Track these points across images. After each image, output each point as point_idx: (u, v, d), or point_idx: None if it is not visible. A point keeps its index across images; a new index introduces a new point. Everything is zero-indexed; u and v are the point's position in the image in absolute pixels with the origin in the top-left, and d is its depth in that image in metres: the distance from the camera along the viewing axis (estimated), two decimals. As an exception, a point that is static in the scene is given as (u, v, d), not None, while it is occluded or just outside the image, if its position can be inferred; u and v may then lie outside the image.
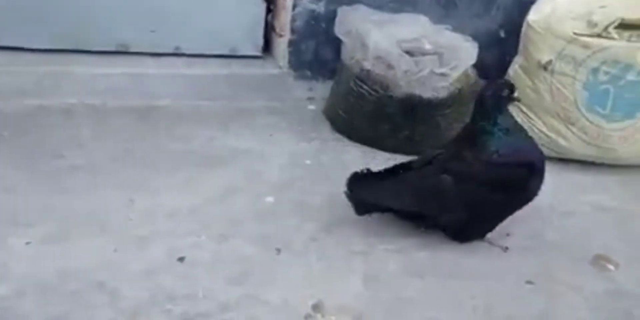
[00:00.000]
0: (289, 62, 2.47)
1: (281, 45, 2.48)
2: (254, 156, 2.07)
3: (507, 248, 1.74)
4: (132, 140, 2.05)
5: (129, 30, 2.36)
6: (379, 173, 1.70)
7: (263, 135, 2.21)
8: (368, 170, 1.69)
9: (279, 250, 1.66)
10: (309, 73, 2.49)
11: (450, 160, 1.64)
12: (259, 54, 2.53)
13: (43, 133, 2.01)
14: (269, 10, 2.53)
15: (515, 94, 1.65)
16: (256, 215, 1.79)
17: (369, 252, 1.69)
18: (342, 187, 1.70)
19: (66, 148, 1.95)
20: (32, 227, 1.60)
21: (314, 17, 2.41)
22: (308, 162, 2.09)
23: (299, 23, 2.41)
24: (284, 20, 2.43)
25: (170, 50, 2.44)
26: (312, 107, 2.43)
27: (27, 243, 1.56)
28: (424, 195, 1.64)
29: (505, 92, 1.62)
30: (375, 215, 1.75)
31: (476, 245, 1.74)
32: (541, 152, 1.70)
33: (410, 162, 1.74)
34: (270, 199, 1.87)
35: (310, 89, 2.50)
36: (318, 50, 2.47)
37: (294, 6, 2.39)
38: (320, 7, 2.40)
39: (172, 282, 1.51)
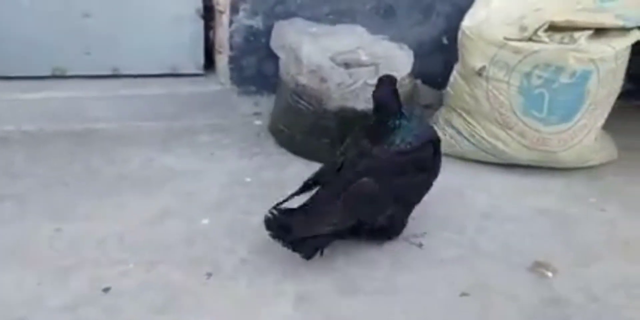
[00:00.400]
0: (231, 78, 2.44)
1: (222, 62, 2.46)
2: (192, 176, 2.05)
3: (421, 244, 1.76)
4: (66, 165, 2.02)
5: (64, 53, 2.33)
6: (292, 209, 1.63)
7: (204, 153, 2.18)
8: (279, 210, 1.62)
9: (209, 275, 1.63)
10: (253, 88, 2.47)
11: (362, 162, 1.63)
12: (200, 71, 2.50)
13: (-25, 163, 1.98)
14: (210, 27, 2.50)
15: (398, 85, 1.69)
16: (188, 238, 1.76)
17: (301, 272, 1.67)
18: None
19: (-2, 181, 1.91)
20: (-47, 263, 1.56)
21: (252, 32, 2.39)
22: (248, 179, 2.07)
23: (237, 39, 2.39)
24: (222, 36, 2.41)
25: (109, 72, 2.40)
26: (258, 122, 2.41)
27: (-53, 280, 1.53)
28: (354, 205, 1.61)
29: (395, 85, 1.67)
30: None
31: (409, 258, 1.72)
32: (434, 130, 1.81)
33: (315, 178, 1.70)
34: (205, 221, 1.84)
35: (256, 104, 2.48)
36: (260, 65, 2.44)
37: (231, 22, 2.37)
38: (258, 22, 2.38)
39: (95, 314, 1.48)
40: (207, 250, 1.71)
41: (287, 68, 2.16)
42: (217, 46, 2.47)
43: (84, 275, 1.58)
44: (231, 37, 2.39)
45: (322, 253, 1.64)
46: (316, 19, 2.38)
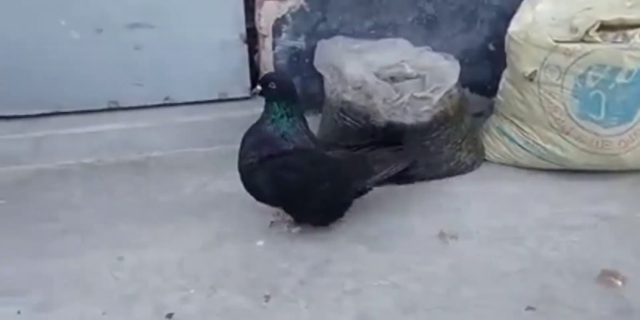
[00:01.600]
0: (278, 100, 2.46)
1: (268, 84, 2.48)
2: (245, 200, 2.06)
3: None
4: (125, 195, 2.08)
5: (118, 86, 2.41)
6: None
7: (256, 176, 2.20)
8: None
9: (267, 297, 1.63)
10: (298, 108, 2.48)
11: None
12: (248, 95, 2.54)
13: (39, 197, 2.06)
14: (254, 51, 2.54)
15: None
16: (246, 261, 1.77)
17: (360, 289, 1.65)
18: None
19: (59, 210, 1.98)
20: (22, 296, 1.62)
21: (295, 53, 2.41)
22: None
23: (281, 61, 2.42)
24: (267, 59, 2.44)
25: (160, 101, 2.47)
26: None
27: (18, 312, 1.58)
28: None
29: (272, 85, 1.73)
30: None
31: (470, 272, 1.67)
32: None
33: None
34: (260, 242, 1.85)
35: (301, 124, 2.48)
36: (305, 86, 2.45)
37: (274, 45, 2.40)
38: (301, 43, 2.41)
39: (160, 341, 1.50)
40: (264, 272, 1.72)
41: (331, 86, 2.16)
42: (262, 69, 2.50)
43: (147, 302, 1.61)
44: (275, 59, 2.42)
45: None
46: (359, 35, 2.38)
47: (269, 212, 1.92)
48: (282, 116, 1.74)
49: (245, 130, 2.43)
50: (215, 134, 2.44)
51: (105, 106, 2.44)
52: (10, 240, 1.83)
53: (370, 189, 1.85)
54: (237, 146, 2.33)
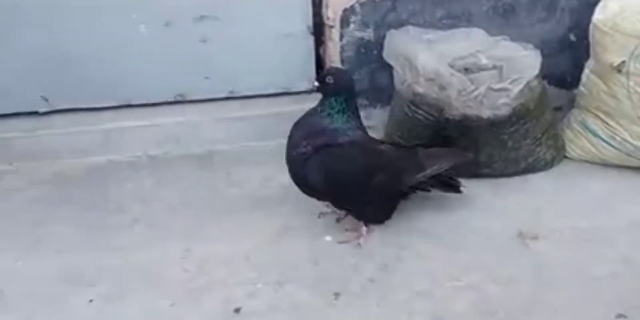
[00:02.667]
0: (344, 92, 2.40)
1: (334, 77, 2.42)
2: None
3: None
4: (191, 188, 2.07)
5: (185, 79, 2.40)
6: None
7: (321, 170, 2.14)
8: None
9: (337, 295, 1.57)
10: (365, 101, 2.41)
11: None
12: (313, 88, 2.49)
13: (109, 189, 2.07)
14: (320, 43, 2.49)
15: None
16: (313, 257, 1.72)
17: (433, 290, 1.56)
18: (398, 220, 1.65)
19: (128, 202, 1.99)
20: (93, 286, 1.63)
21: (363, 44, 2.34)
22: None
23: (348, 53, 2.35)
24: (333, 51, 2.38)
25: (225, 95, 2.45)
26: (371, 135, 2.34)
27: (90, 301, 1.58)
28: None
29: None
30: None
31: (556, 274, 1.56)
32: None
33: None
34: (328, 238, 1.79)
35: (368, 117, 2.40)
36: (373, 78, 2.39)
37: (342, 36, 2.33)
38: (369, 34, 2.33)
39: (228, 335, 1.46)
40: (334, 268, 1.66)
41: (402, 78, 2.08)
42: (328, 61, 2.44)
43: (215, 295, 1.59)
44: (342, 51, 2.35)
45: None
46: (430, 25, 2.29)
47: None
48: (338, 111, 1.69)
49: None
50: (280, 128, 2.39)
51: (171, 99, 2.44)
52: (81, 231, 1.84)
53: (416, 191, 1.80)
54: (302, 139, 2.33)
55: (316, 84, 1.73)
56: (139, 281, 1.64)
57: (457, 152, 1.84)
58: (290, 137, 1.76)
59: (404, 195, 1.79)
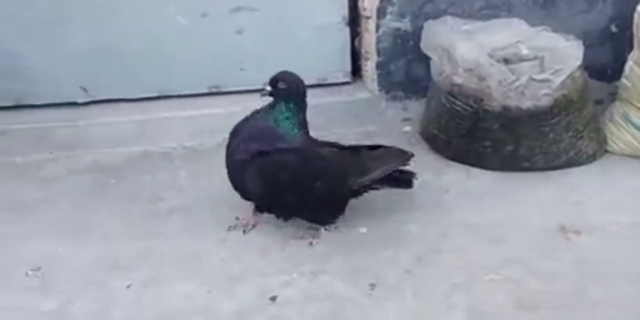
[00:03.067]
0: (379, 84, 2.38)
1: (369, 68, 2.41)
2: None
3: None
4: (225, 179, 2.05)
5: (219, 70, 2.41)
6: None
7: (357, 162, 2.13)
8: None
9: (372, 286, 1.56)
10: (401, 93, 2.39)
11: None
12: (348, 79, 2.48)
13: (146, 178, 2.09)
14: (355, 34, 2.47)
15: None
16: (348, 248, 1.70)
17: (472, 283, 1.54)
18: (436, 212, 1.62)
19: (165, 191, 2.00)
20: (131, 271, 1.65)
21: (399, 35, 2.32)
22: (405, 186, 1.97)
23: (384, 44, 2.33)
24: (369, 42, 2.36)
25: (260, 86, 2.44)
26: (407, 128, 2.33)
27: (128, 286, 1.60)
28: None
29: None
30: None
31: (600, 271, 1.52)
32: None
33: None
34: (363, 229, 1.78)
35: (405, 109, 2.39)
36: (409, 69, 2.36)
37: (378, 27, 2.31)
38: (406, 24, 2.31)
39: (264, 323, 1.47)
40: (369, 259, 1.65)
41: (440, 69, 2.05)
42: (363, 52, 2.43)
43: (251, 284, 1.59)
44: (378, 42, 2.33)
45: None
46: (468, 15, 2.25)
47: (375, 199, 1.84)
48: (287, 117, 1.65)
49: (344, 115, 2.41)
50: (314, 120, 2.38)
51: (207, 90, 2.45)
52: (119, 218, 1.86)
53: (367, 189, 1.73)
54: (336, 131, 2.32)
55: (268, 88, 1.68)
56: (176, 268, 1.65)
57: (401, 152, 1.76)
58: (229, 143, 1.70)
59: (353, 195, 1.72)
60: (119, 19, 2.27)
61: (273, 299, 1.54)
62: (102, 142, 2.24)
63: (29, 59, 2.27)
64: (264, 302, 1.53)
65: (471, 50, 1.96)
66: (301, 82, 1.70)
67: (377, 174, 1.68)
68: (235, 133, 1.71)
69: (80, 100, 2.37)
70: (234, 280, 1.60)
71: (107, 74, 2.35)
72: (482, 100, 1.91)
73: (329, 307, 1.50)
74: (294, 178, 1.63)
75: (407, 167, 1.76)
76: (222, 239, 1.76)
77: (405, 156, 1.74)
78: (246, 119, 1.72)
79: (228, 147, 1.70)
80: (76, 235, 1.79)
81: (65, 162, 2.17)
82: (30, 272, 1.64)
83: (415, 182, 1.77)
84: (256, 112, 1.71)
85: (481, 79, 1.91)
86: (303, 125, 1.68)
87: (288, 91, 1.66)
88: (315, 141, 1.74)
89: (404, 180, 1.76)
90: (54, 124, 2.29)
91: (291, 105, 1.65)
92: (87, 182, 2.05)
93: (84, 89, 2.36)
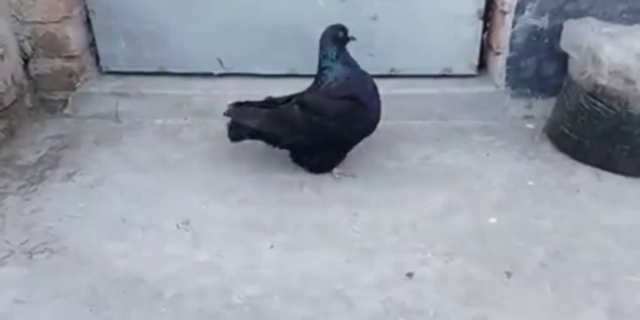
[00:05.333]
0: (507, 79, 2.38)
1: (498, 63, 2.41)
2: (471, 175, 2.03)
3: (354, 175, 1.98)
4: (353, 159, 2.13)
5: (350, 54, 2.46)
6: (254, 104, 2.02)
7: (479, 154, 2.16)
8: (246, 102, 2.03)
9: (508, 274, 1.58)
10: (527, 90, 2.38)
11: (303, 94, 1.95)
12: (473, 72, 2.49)
13: (271, 151, 2.16)
14: (485, 28, 2.47)
15: (349, 35, 1.94)
16: (479, 235, 1.74)
17: (610, 283, 1.54)
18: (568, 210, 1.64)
19: (293, 165, 2.07)
20: (273, 235, 1.74)
21: (535, 33, 2.30)
22: (530, 183, 1.99)
23: (519, 40, 2.32)
24: (503, 37, 2.36)
25: (386, 72, 2.49)
26: (530, 125, 2.33)
27: (271, 247, 1.69)
28: (279, 121, 1.93)
29: (341, 34, 1.92)
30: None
31: None
32: (373, 88, 1.97)
33: (277, 98, 2.02)
34: (493, 219, 1.81)
35: (529, 107, 2.39)
36: (539, 67, 2.35)
37: (514, 23, 2.31)
38: (544, 22, 2.29)
39: (403, 296, 1.52)
40: (501, 248, 1.67)
41: (581, 69, 2.04)
42: (494, 47, 2.43)
43: (387, 258, 1.65)
44: (513, 37, 2.33)
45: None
46: (609, 18, 2.22)
47: (496, 189, 1.89)
48: None
49: (466, 107, 2.42)
50: (435, 109, 2.42)
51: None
52: (254, 185, 1.96)
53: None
54: (456, 122, 2.34)
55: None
56: (314, 235, 1.73)
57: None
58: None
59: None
60: (264, -2, 2.37)
61: (410, 275, 1.59)
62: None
63: (175, 31, 2.41)
64: (400, 277, 1.59)
65: (619, 52, 1.94)
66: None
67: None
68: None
69: (215, 72, 2.48)
70: (370, 253, 1.67)
71: (243, 49, 2.45)
72: (627, 103, 1.89)
73: (465, 288, 1.54)
74: None
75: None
76: (353, 214, 1.83)
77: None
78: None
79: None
80: (217, 196, 1.90)
81: (198, 128, 2.29)
82: (180, 225, 1.76)
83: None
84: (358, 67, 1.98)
85: (628, 81, 1.89)
86: None
87: None
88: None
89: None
90: (191, 92, 2.41)
91: None
92: (218, 149, 2.15)
93: (220, 62, 2.47)
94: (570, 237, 1.70)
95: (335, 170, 2.02)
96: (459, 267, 1.61)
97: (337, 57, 1.91)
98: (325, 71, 1.92)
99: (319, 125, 1.88)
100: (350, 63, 1.93)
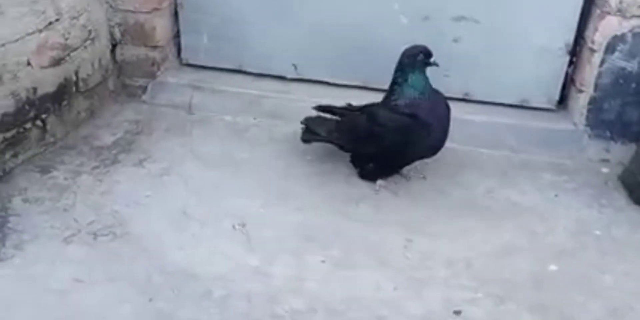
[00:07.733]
0: (587, 119, 2.29)
1: (580, 101, 2.32)
2: (537, 215, 1.97)
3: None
4: (416, 183, 2.09)
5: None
6: (334, 108, 2.12)
7: (547, 193, 2.08)
8: (328, 105, 2.14)
9: (564, 327, 1.53)
10: (607, 133, 2.29)
11: (374, 105, 2.01)
12: (552, 107, 2.41)
13: (335, 162, 2.16)
14: (570, 63, 2.39)
15: (432, 60, 1.95)
16: (536, 281, 1.68)
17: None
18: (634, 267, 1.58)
19: (355, 180, 2.06)
20: (325, 249, 1.73)
21: (623, 75, 2.21)
22: (597, 232, 1.91)
23: (605, 80, 2.23)
24: (588, 75, 2.27)
25: (460, 96, 2.45)
26: (605, 170, 2.23)
27: (322, 261, 1.69)
28: (347, 128, 2.04)
29: (420, 57, 1.93)
30: None
31: None
32: (444, 110, 1.98)
33: (354, 106, 2.10)
34: (553, 267, 1.74)
35: (607, 151, 2.29)
36: (623, 111, 2.26)
37: (602, 62, 2.22)
38: (633, 66, 2.20)
39: (447, 334, 1.49)
40: (558, 299, 1.61)
41: (672, 119, 1.94)
42: (577, 84, 2.34)
43: (436, 291, 1.61)
44: (599, 77, 2.24)
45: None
46: None
47: (561, 235, 1.83)
48: None
49: (540, 142, 2.34)
50: (507, 139, 2.36)
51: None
52: (314, 194, 1.96)
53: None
54: (526, 156, 2.26)
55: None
56: (366, 256, 1.72)
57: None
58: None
59: None
60: (344, 7, 2.35)
61: (458, 313, 1.55)
62: (301, 117, 2.35)
63: (258, 32, 2.44)
64: (447, 314, 1.55)
65: None
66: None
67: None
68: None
69: (288, 76, 2.50)
70: (420, 283, 1.64)
71: (318, 57, 2.46)
72: None
73: (515, 335, 1.49)
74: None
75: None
76: (408, 239, 1.80)
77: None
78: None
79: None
80: (275, 200, 1.91)
81: (267, 128, 2.31)
82: (237, 226, 1.78)
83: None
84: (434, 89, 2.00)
85: None
86: None
87: None
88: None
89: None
90: (263, 92, 2.43)
91: None
92: (285, 152, 2.16)
93: (295, 67, 2.49)
94: (631, 297, 1.62)
95: (379, 181, 2.03)
96: (510, 312, 1.57)
97: (411, 77, 1.92)
98: (396, 87, 1.94)
99: (378, 136, 1.92)
100: (423, 84, 1.94)
